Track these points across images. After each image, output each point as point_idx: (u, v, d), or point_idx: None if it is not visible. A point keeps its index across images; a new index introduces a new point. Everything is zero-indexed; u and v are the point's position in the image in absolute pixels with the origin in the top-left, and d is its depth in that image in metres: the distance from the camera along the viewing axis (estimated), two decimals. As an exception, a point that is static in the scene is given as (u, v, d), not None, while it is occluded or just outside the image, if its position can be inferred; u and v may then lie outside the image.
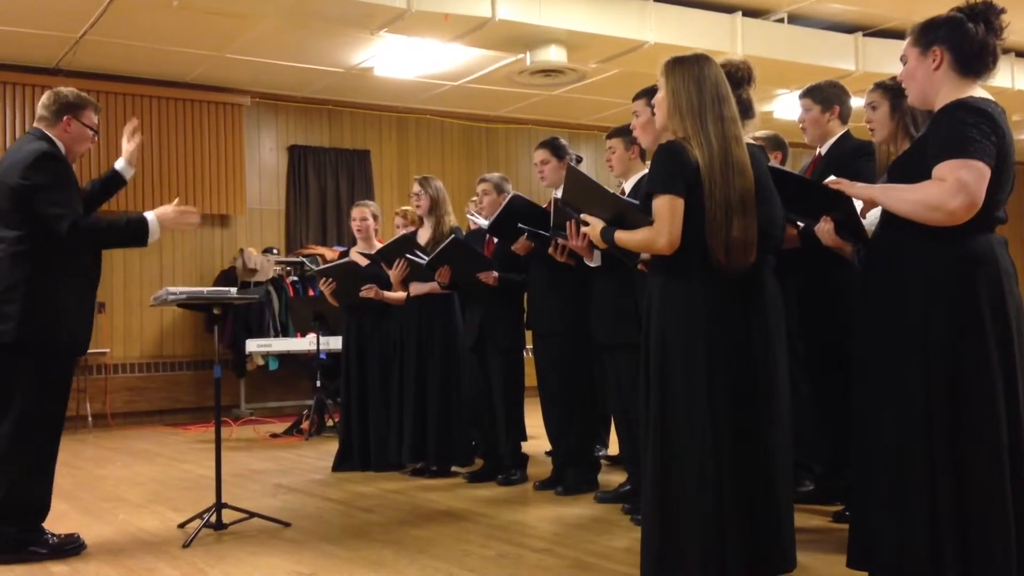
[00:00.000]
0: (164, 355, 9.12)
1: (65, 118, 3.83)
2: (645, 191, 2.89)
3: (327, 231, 9.90)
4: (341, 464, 5.75)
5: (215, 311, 4.32)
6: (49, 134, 3.82)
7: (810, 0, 7.73)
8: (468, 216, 5.44)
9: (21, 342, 3.63)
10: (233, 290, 4.40)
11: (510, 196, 4.78)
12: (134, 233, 3.82)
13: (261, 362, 9.00)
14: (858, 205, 3.07)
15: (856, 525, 2.73)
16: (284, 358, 9.07)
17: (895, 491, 2.56)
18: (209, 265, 9.37)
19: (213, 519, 4.10)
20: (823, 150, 4.14)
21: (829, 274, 3.77)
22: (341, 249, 8.19)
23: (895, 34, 8.30)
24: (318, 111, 9.97)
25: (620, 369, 4.30)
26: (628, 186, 4.34)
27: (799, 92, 4.26)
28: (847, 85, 4.28)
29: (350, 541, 3.92)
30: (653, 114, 3.86)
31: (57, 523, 3.95)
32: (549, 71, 7.90)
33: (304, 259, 9.38)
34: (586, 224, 3.16)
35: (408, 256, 5.23)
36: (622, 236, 2.95)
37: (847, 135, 4.10)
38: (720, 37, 7.73)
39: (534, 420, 5.28)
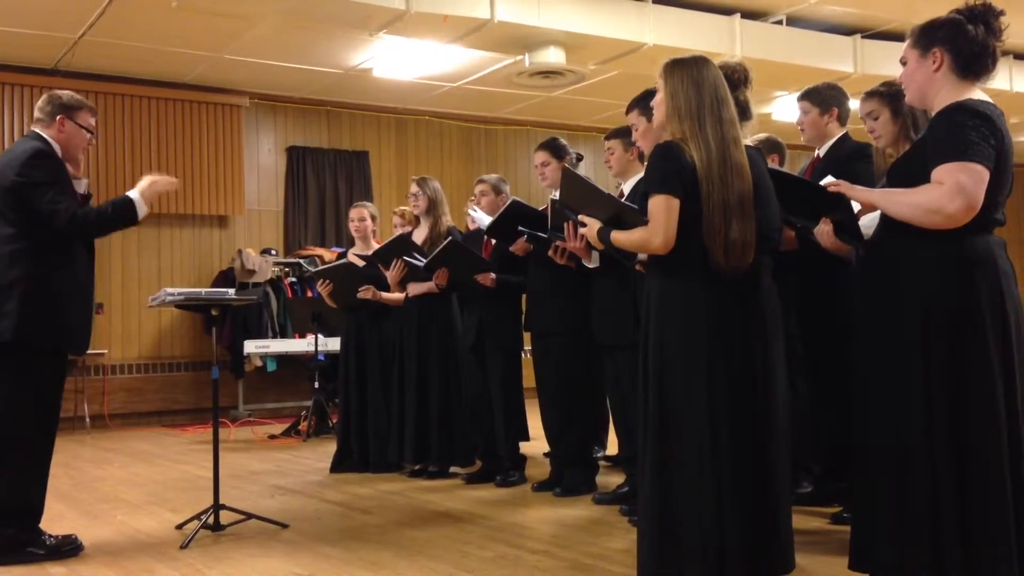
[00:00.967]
0: (162, 356, 9.11)
1: (59, 118, 3.83)
2: (642, 191, 2.89)
3: (326, 232, 9.90)
4: (339, 465, 5.75)
5: (213, 312, 4.32)
6: (44, 135, 3.83)
7: (809, 2, 7.74)
8: (468, 212, 5.43)
9: (20, 340, 3.63)
10: (231, 291, 4.40)
11: (510, 201, 4.78)
12: (123, 213, 3.83)
13: (259, 363, 9.00)
14: (856, 207, 3.07)
15: (857, 527, 2.72)
16: (282, 359, 9.07)
17: (896, 493, 2.56)
18: (207, 266, 9.36)
19: (211, 520, 4.09)
20: (822, 152, 4.14)
21: (828, 275, 3.78)
22: (339, 250, 8.20)
23: (894, 36, 8.31)
24: (317, 112, 9.97)
25: (619, 370, 4.31)
26: (627, 187, 4.35)
27: (798, 94, 4.26)
28: (846, 87, 4.28)
29: (348, 542, 3.92)
30: (649, 120, 3.89)
31: (55, 524, 3.95)
32: (548, 72, 7.91)
33: (302, 260, 9.38)
34: (583, 225, 3.16)
35: (406, 259, 5.23)
36: (618, 236, 2.95)
37: (846, 137, 4.11)
38: (719, 39, 7.73)
39: (533, 422, 5.28)
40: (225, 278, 9.10)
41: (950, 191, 2.45)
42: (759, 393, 2.80)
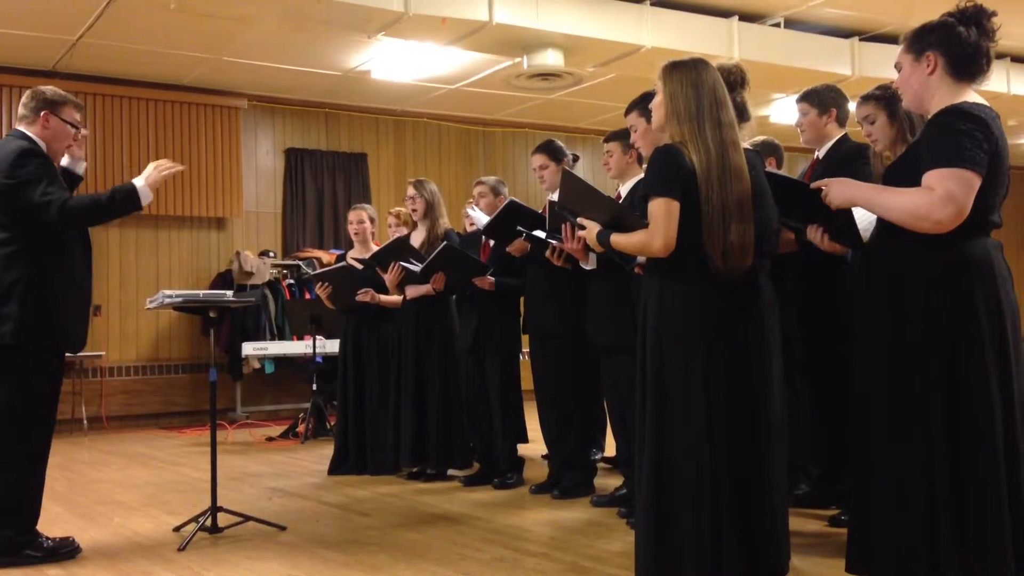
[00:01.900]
0: (160, 358, 9.10)
1: (43, 114, 3.81)
2: (641, 194, 2.89)
3: (324, 234, 9.90)
4: (337, 467, 5.74)
5: (211, 314, 4.31)
6: (28, 132, 3.81)
7: (807, 5, 7.75)
8: (467, 212, 5.42)
9: (20, 342, 3.63)
10: (229, 293, 4.40)
11: (507, 201, 4.78)
12: (123, 202, 3.80)
13: (257, 365, 8.99)
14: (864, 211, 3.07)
15: (854, 528, 2.73)
16: (280, 361, 9.06)
17: (893, 495, 2.56)
18: (205, 268, 9.36)
19: (208, 523, 4.08)
20: (821, 153, 4.15)
21: (827, 277, 3.78)
22: (338, 252, 8.19)
23: (891, 39, 8.32)
24: (315, 114, 9.97)
25: (617, 372, 4.31)
26: (624, 189, 4.35)
27: (796, 96, 4.27)
28: (844, 89, 4.29)
29: (346, 545, 3.92)
30: (648, 122, 3.89)
31: (52, 526, 3.94)
32: (546, 75, 7.91)
33: (301, 262, 9.37)
34: (582, 227, 3.17)
35: (403, 263, 5.23)
36: (618, 239, 2.95)
37: (845, 138, 4.11)
38: (717, 41, 7.74)
39: (531, 424, 5.28)
40: (223, 280, 9.09)
41: (939, 199, 2.45)
42: (756, 395, 2.80)
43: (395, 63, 8.40)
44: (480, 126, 10.85)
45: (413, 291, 5.36)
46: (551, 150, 4.92)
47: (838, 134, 4.11)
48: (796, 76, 8.01)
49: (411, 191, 5.50)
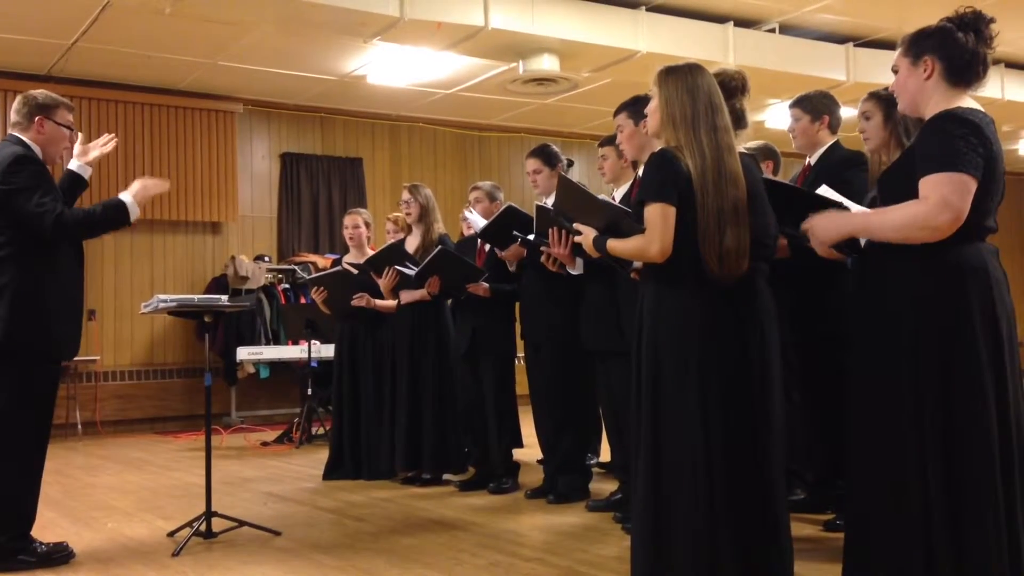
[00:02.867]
0: (155, 363, 9.08)
1: (37, 119, 3.81)
2: (637, 199, 2.90)
3: (319, 239, 9.89)
4: (332, 472, 5.74)
5: (206, 319, 4.31)
6: (23, 138, 3.81)
7: (801, 11, 7.77)
8: (465, 215, 5.43)
9: (9, 347, 3.62)
10: (224, 298, 4.39)
11: (505, 206, 4.79)
12: (114, 216, 3.82)
13: (252, 370, 8.97)
14: (854, 207, 3.07)
15: (851, 536, 2.72)
16: (275, 366, 9.05)
17: (889, 502, 2.56)
18: (200, 272, 9.35)
19: (203, 528, 4.08)
20: (813, 160, 4.16)
21: (822, 283, 3.79)
22: (333, 257, 8.19)
23: (886, 44, 8.35)
24: (311, 119, 9.97)
25: (612, 377, 4.31)
26: (619, 194, 4.36)
27: (789, 102, 4.28)
28: (838, 95, 4.30)
29: (341, 550, 3.91)
30: (636, 124, 3.90)
31: (46, 531, 3.93)
32: (542, 80, 7.92)
33: (296, 267, 9.36)
34: (578, 233, 3.17)
35: (397, 268, 5.23)
36: (614, 244, 2.95)
37: (836, 145, 4.12)
38: (712, 47, 7.76)
39: (526, 428, 5.28)
40: (218, 285, 9.08)
41: (936, 206, 2.45)
42: (757, 400, 2.80)
43: (391, 68, 8.40)
44: (475, 131, 10.85)
45: (408, 296, 5.36)
46: (545, 155, 4.92)
47: (830, 141, 4.13)
48: (791, 81, 8.03)
49: (406, 196, 5.50)
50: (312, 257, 9.41)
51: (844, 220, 2.71)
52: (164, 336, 9.14)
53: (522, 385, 5.04)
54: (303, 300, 9.04)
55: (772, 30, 8.13)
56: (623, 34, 7.50)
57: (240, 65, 8.34)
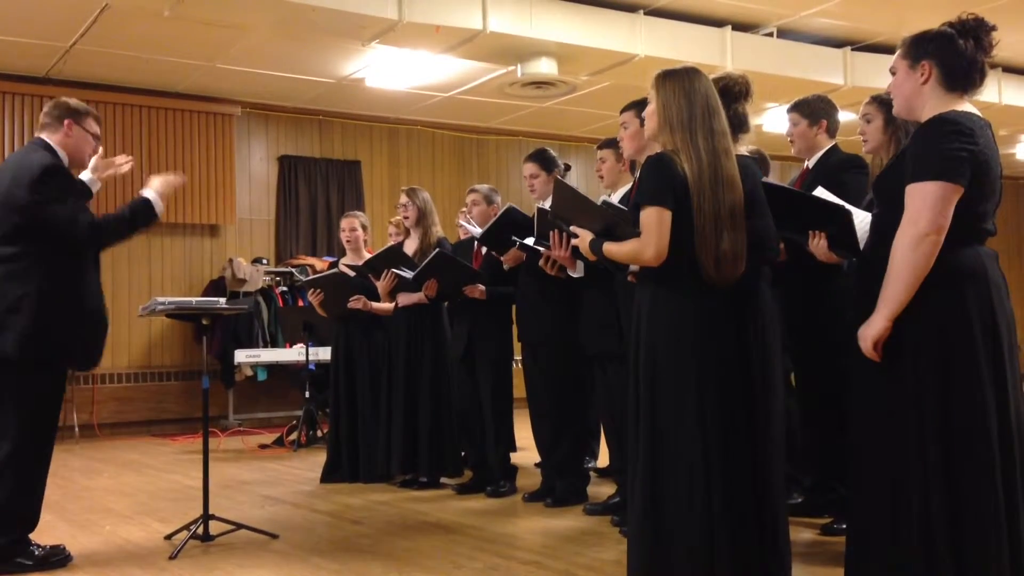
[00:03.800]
0: (152, 365, 9.07)
1: (67, 122, 3.85)
2: (633, 203, 2.90)
3: (317, 242, 9.88)
4: (329, 475, 5.73)
5: (204, 321, 4.31)
6: (50, 142, 3.84)
7: (799, 15, 7.77)
8: (460, 224, 5.44)
9: (25, 356, 3.62)
10: (222, 300, 4.38)
11: (505, 207, 4.79)
12: (143, 215, 3.89)
13: (250, 372, 8.96)
14: (859, 218, 3.07)
15: (853, 543, 2.71)
16: (273, 369, 9.03)
17: (889, 508, 2.55)
18: (198, 275, 9.34)
19: (200, 530, 4.07)
20: (810, 163, 4.16)
21: (820, 287, 3.79)
22: (331, 260, 8.18)
23: (883, 49, 8.36)
24: (309, 121, 9.97)
25: (610, 381, 4.31)
26: (616, 197, 4.36)
27: (787, 106, 4.29)
28: (836, 99, 4.31)
29: (338, 553, 3.91)
30: (641, 126, 3.90)
31: (43, 534, 3.92)
32: (540, 83, 7.92)
33: (294, 269, 9.36)
34: (575, 236, 3.17)
35: (395, 271, 5.23)
36: (610, 248, 2.95)
37: (834, 148, 4.13)
38: (710, 51, 7.76)
39: (524, 432, 5.27)
40: (216, 287, 9.07)
41: (911, 219, 2.47)
42: (756, 402, 2.80)
43: (389, 71, 8.40)
44: (474, 134, 10.86)
45: (405, 299, 5.36)
46: (543, 159, 4.93)
47: (828, 144, 4.13)
48: (789, 85, 8.04)
49: (404, 199, 5.50)
50: (310, 260, 9.40)
51: (878, 315, 2.55)
52: (162, 339, 9.13)
53: (519, 388, 5.04)
54: (301, 303, 9.04)
55: (770, 34, 8.14)
56: (621, 38, 7.50)
57: (238, 68, 8.34)
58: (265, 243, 9.73)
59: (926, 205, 2.46)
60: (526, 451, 5.55)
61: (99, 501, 5.28)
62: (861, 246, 2.97)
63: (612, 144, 4.38)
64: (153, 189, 3.94)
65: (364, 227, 6.05)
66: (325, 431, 6.94)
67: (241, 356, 8.60)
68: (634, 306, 2.96)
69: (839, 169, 3.96)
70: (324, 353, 7.45)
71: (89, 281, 3.82)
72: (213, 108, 9.28)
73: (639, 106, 3.92)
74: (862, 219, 3.07)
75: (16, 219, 3.66)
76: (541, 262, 4.41)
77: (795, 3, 7.51)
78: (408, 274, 5.17)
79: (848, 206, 3.12)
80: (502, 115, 10.24)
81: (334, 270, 5.87)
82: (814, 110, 4.13)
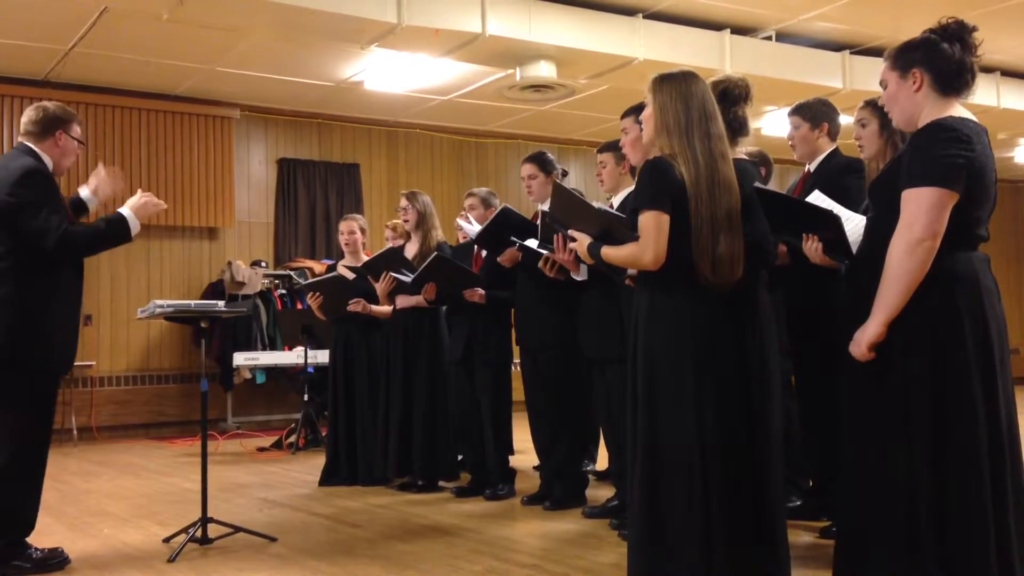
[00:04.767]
0: (151, 368, 9.07)
1: (57, 133, 3.84)
2: (631, 207, 2.90)
3: (316, 244, 9.89)
4: (328, 478, 5.73)
5: (202, 324, 4.31)
6: (36, 149, 3.81)
7: (798, 18, 7.79)
8: (459, 223, 5.44)
9: (9, 359, 3.62)
10: (221, 303, 4.38)
11: (500, 208, 4.79)
12: (116, 232, 3.82)
13: (248, 375, 8.96)
14: (854, 222, 3.07)
15: (841, 540, 2.72)
16: (271, 371, 9.04)
17: (878, 512, 2.56)
18: (197, 278, 9.34)
19: (199, 534, 4.07)
20: (812, 167, 4.16)
21: (817, 291, 3.79)
22: (329, 262, 8.19)
23: (882, 52, 8.25)
24: (308, 124, 9.97)
25: (608, 384, 4.31)
26: (616, 201, 4.36)
27: (788, 109, 4.29)
28: (835, 103, 4.31)
29: (337, 556, 3.90)
30: (642, 131, 3.90)
31: (41, 537, 3.92)
32: (539, 86, 7.93)
33: (292, 272, 9.36)
34: (573, 239, 3.17)
35: (394, 274, 5.23)
36: (608, 251, 2.96)
37: (836, 152, 4.13)
38: (709, 54, 7.77)
39: (522, 435, 5.27)
40: (215, 290, 9.07)
41: (906, 225, 2.47)
42: (756, 406, 2.80)
43: (388, 74, 8.41)
44: (473, 137, 10.86)
45: (403, 301, 5.36)
46: (541, 161, 4.93)
47: (829, 148, 4.13)
48: (787, 89, 8.05)
49: (404, 203, 5.50)
50: (309, 263, 9.41)
51: (873, 319, 2.56)
52: (160, 341, 9.13)
53: (517, 391, 5.04)
54: (300, 306, 9.04)
55: (769, 38, 8.15)
56: (620, 41, 7.51)
57: (237, 71, 8.35)
58: (264, 246, 9.73)
59: (922, 210, 2.47)
60: (525, 454, 5.54)
61: (97, 504, 5.27)
62: (855, 250, 2.97)
63: (612, 148, 4.37)
64: (130, 207, 3.86)
65: (363, 230, 6.05)
66: (324, 434, 6.94)
67: (240, 359, 8.60)
68: (632, 309, 2.97)
69: (841, 173, 3.96)
70: (323, 356, 7.45)
71: (66, 284, 3.78)
72: (212, 111, 9.29)
73: (638, 111, 3.92)
74: (856, 223, 3.07)
75: None
76: (540, 264, 4.41)
77: (794, 7, 7.53)
78: (407, 277, 5.17)
79: (839, 211, 3.12)
80: (501, 118, 10.25)
81: (333, 273, 5.87)
82: (815, 113, 4.13)
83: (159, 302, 4.15)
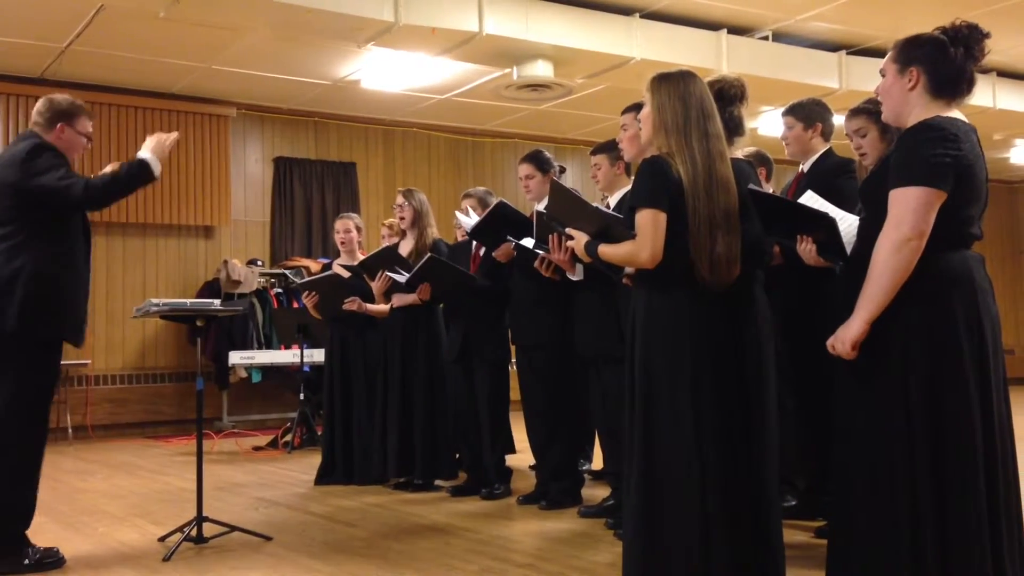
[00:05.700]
0: (146, 367, 9.06)
1: (59, 125, 3.86)
2: (629, 205, 2.91)
3: (312, 243, 9.88)
4: (324, 477, 5.72)
5: (198, 323, 4.30)
6: (42, 136, 3.85)
7: (795, 18, 7.80)
8: (458, 216, 5.43)
9: (23, 330, 3.64)
10: (216, 302, 4.39)
11: (496, 202, 4.78)
12: (139, 173, 3.86)
13: (244, 374, 8.96)
14: (848, 222, 3.07)
15: (835, 540, 2.72)
16: (267, 370, 9.03)
17: (874, 506, 2.56)
18: (193, 276, 9.33)
19: (194, 533, 4.06)
20: (805, 167, 4.17)
21: (813, 290, 3.79)
22: (325, 261, 8.19)
23: (879, 53, 8.37)
24: (304, 123, 9.97)
25: (605, 383, 4.31)
26: (613, 201, 4.37)
27: (782, 109, 4.29)
28: (831, 103, 4.32)
29: (332, 555, 3.90)
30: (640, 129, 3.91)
31: (36, 536, 3.91)
32: (536, 86, 7.93)
33: (288, 271, 9.35)
34: (570, 238, 3.17)
35: (389, 273, 5.23)
36: (605, 250, 2.96)
37: (829, 152, 4.14)
38: (706, 54, 7.78)
39: (519, 435, 5.27)
40: (211, 289, 9.06)
41: (893, 225, 2.48)
42: (752, 406, 2.80)
43: (385, 73, 8.41)
44: (470, 136, 10.86)
45: (399, 300, 5.36)
46: (538, 160, 4.93)
47: (823, 148, 4.14)
48: (784, 89, 8.05)
49: (400, 200, 5.50)
50: (305, 261, 9.40)
51: (856, 317, 2.56)
52: (156, 340, 9.12)
53: (514, 390, 5.04)
54: (296, 304, 9.03)
55: (765, 37, 8.16)
56: (617, 41, 7.51)
57: (234, 69, 8.34)
58: (260, 244, 9.73)
59: (908, 210, 2.47)
60: (521, 453, 5.54)
61: (92, 503, 5.26)
62: (849, 251, 2.97)
63: (606, 149, 4.38)
64: (148, 148, 3.91)
65: (359, 229, 6.04)
66: (320, 433, 6.94)
67: (236, 358, 8.59)
68: (629, 308, 2.97)
69: (834, 174, 3.97)
70: (319, 355, 7.43)
71: (77, 255, 3.84)
72: (208, 109, 9.28)
73: (639, 108, 3.92)
74: (851, 224, 3.08)
75: (7, 202, 3.71)
76: (536, 263, 4.41)
77: (790, 7, 7.54)
78: (402, 277, 5.17)
79: (833, 213, 3.12)
80: (498, 117, 10.25)
81: (329, 272, 5.87)
82: (809, 113, 4.13)
83: (155, 301, 4.15)
